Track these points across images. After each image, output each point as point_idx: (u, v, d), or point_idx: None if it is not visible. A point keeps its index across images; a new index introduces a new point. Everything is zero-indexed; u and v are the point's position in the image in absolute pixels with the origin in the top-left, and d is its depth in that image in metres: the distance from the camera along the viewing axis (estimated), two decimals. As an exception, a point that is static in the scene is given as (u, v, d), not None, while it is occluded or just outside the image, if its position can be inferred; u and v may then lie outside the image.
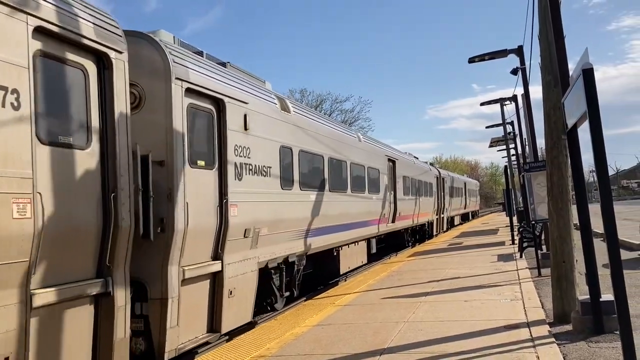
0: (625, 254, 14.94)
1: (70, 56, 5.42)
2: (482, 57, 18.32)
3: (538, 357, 6.16)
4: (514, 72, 18.86)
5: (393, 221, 20.48)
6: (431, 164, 35.90)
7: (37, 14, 4.93)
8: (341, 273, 15.18)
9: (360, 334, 8.02)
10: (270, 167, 9.82)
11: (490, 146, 41.92)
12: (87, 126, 5.57)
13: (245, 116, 8.91)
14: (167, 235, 6.81)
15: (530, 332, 7.31)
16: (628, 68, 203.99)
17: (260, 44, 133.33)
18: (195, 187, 7.46)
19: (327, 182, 13.15)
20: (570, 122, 7.03)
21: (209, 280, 7.93)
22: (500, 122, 33.81)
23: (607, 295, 6.92)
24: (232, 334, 9.03)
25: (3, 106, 4.53)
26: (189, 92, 7.50)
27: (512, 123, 32.93)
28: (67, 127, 5.38)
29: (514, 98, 27.49)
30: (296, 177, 11.22)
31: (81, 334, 5.40)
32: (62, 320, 5.19)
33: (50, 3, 5.13)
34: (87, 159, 5.52)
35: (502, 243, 22.56)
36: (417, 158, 30.29)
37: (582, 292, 7.99)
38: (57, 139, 5.22)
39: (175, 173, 6.98)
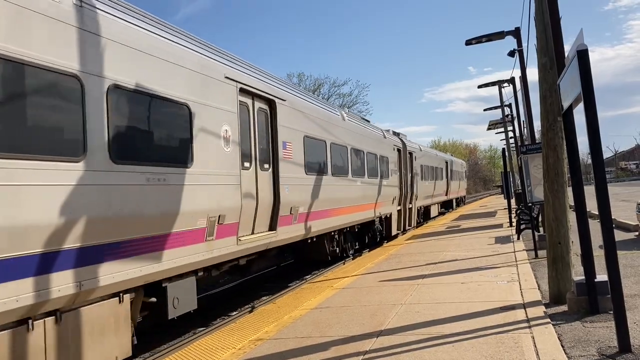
0: (622, 235, 15.02)
1: None
2: (479, 39, 18.20)
3: (533, 338, 6.22)
4: (512, 54, 18.76)
5: (273, 228, 10.97)
6: (395, 133, 25.29)
7: None
8: None
9: (358, 316, 8.09)
10: None
11: (489, 129, 41.80)
12: None
13: None
14: None
15: (526, 313, 7.37)
16: (625, 49, 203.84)
17: (255, 29, 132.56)
18: None
19: None
20: (565, 104, 7.02)
21: None
22: (498, 104, 33.70)
23: (602, 276, 6.97)
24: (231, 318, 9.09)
25: None
26: None
27: (510, 105, 32.90)
28: None
29: (511, 80, 27.41)
30: None
31: None
32: None
33: None
34: None
35: (500, 225, 22.64)
36: (369, 121, 22.01)
37: (577, 273, 8.05)
38: None
39: None
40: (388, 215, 21.43)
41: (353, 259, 16.85)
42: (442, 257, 14.00)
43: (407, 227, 24.85)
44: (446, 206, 42.48)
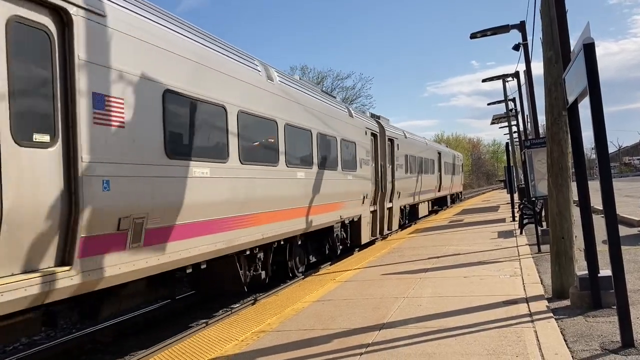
0: (625, 230, 14.99)
1: None
2: (484, 33, 18.12)
3: (536, 332, 6.22)
4: (516, 47, 18.69)
5: (67, 262, 6.03)
6: (374, 116, 21.42)
7: None
8: None
9: (360, 309, 8.09)
10: None
11: (492, 123, 41.80)
12: None
13: None
14: None
15: (529, 308, 7.37)
16: (630, 43, 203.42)
17: (258, 22, 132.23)
18: None
19: None
20: (570, 98, 6.99)
21: None
22: (502, 98, 33.63)
23: (606, 271, 6.96)
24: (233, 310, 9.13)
25: None
26: None
27: (514, 100, 32.84)
28: None
29: (516, 74, 27.34)
30: None
31: None
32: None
33: None
34: None
35: (503, 220, 22.62)
36: (335, 98, 17.72)
37: (580, 268, 8.03)
38: None
39: None
40: (356, 219, 16.76)
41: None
42: (445, 251, 13.99)
43: (385, 232, 20.45)
44: (440, 204, 37.70)
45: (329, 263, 15.13)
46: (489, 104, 38.88)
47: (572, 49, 7.47)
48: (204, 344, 7.06)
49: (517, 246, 13.78)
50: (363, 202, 17.20)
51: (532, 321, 6.69)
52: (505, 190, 43.59)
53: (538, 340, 5.90)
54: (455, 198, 45.57)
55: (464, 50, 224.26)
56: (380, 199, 19.49)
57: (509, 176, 25.26)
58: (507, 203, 31.95)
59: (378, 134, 19.55)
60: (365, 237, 17.53)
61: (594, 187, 6.65)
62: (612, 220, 5.57)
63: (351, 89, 62.89)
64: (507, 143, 31.04)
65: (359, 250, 16.79)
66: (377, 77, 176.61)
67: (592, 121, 5.47)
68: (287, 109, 11.77)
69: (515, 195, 25.68)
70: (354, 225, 16.83)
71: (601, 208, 5.79)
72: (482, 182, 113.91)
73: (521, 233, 16.54)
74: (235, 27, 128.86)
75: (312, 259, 14.32)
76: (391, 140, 21.24)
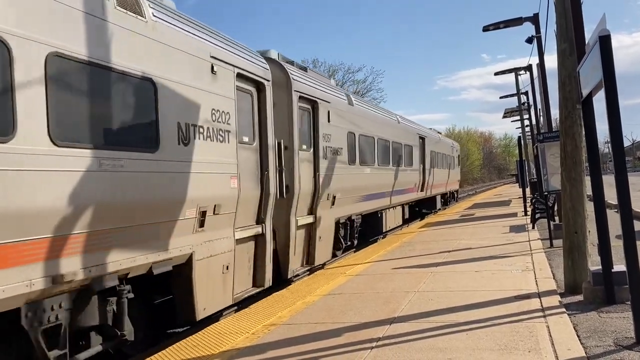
0: (639, 225, 14.84)
1: None
2: (497, 26, 17.98)
3: (548, 327, 6.17)
4: (529, 40, 18.51)
5: None
6: (282, 59, 11.64)
7: None
8: None
9: (371, 303, 8.08)
10: None
11: (504, 117, 41.46)
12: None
13: None
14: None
15: (541, 302, 7.31)
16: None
17: (268, 13, 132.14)
18: None
19: None
20: (585, 91, 6.91)
21: None
22: (514, 92, 33.36)
23: (619, 266, 6.90)
24: (245, 302, 9.15)
25: None
26: None
27: (526, 93, 32.57)
28: None
29: (528, 68, 27.10)
30: None
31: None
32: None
33: None
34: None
35: (515, 214, 22.49)
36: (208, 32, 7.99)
37: (593, 263, 7.97)
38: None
39: None
40: (173, 265, 7.16)
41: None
42: (456, 245, 13.94)
43: (298, 269, 11.69)
44: (428, 206, 28.11)
45: None
46: (501, 98, 38.44)
47: (586, 41, 7.39)
48: (216, 337, 7.08)
49: (529, 241, 13.70)
50: (202, 225, 7.69)
51: (544, 316, 6.64)
52: (517, 184, 43.19)
53: (550, 336, 5.85)
54: (449, 198, 34.98)
55: (474, 44, 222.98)
56: (279, 211, 10.66)
57: (520, 170, 25.08)
58: (519, 197, 31.73)
59: (267, 85, 9.87)
60: (210, 302, 8.10)
61: (608, 182, 6.55)
62: (627, 213, 5.51)
63: (362, 82, 62.57)
64: (519, 137, 30.74)
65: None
66: (387, 72, 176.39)
67: (607, 114, 5.40)
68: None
69: (527, 190, 25.50)
70: (176, 283, 7.63)
71: (615, 203, 5.73)
72: (493, 176, 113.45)
73: (533, 227, 16.45)
74: (246, 17, 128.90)
75: None
76: (313, 104, 12.22)
